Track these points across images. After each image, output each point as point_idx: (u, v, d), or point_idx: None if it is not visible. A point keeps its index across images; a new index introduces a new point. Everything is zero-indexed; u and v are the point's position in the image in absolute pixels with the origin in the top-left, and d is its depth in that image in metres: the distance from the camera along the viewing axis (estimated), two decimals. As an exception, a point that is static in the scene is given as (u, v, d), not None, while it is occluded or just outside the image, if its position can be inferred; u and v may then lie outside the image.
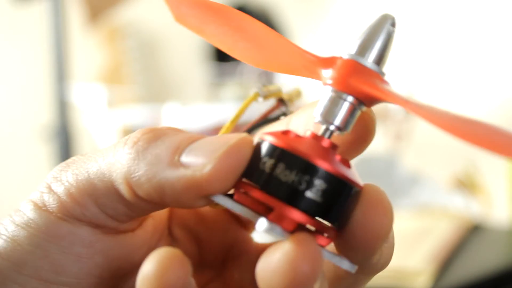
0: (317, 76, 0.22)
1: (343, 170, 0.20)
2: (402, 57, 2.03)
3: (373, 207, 0.21)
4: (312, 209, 0.20)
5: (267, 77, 1.86)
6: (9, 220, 0.23)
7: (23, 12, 1.70)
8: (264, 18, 2.32)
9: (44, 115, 1.65)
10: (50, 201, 0.23)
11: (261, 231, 0.19)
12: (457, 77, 1.93)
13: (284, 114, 0.26)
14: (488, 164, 1.27)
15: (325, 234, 0.21)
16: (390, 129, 1.42)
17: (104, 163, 0.22)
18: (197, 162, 0.21)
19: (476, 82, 1.90)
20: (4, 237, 0.22)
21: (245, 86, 1.91)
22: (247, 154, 0.21)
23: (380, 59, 0.21)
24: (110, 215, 0.23)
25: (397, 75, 2.03)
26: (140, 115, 1.80)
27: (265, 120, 0.26)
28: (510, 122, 1.72)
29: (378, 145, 1.39)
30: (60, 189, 0.23)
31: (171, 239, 0.26)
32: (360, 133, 0.23)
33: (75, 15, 1.30)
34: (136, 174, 0.21)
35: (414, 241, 0.84)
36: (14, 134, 1.93)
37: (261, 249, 0.25)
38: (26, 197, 0.24)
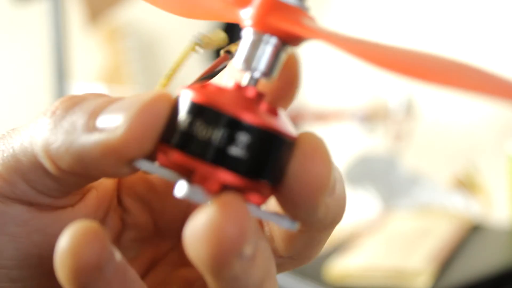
0: (238, 19, 0.20)
1: (270, 120, 0.19)
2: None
3: (308, 157, 0.19)
4: (238, 167, 0.18)
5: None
6: None
7: (23, 11, 1.70)
8: None
9: (44, 115, 1.65)
10: None
11: (180, 196, 0.18)
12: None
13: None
14: (488, 164, 1.27)
15: (259, 192, 0.19)
16: (390, 129, 1.42)
17: (26, 136, 0.21)
18: (112, 124, 0.19)
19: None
20: None
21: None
22: (163, 111, 0.19)
23: None
24: (41, 192, 0.22)
25: (399, 83, 2.03)
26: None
27: (211, 74, 0.24)
28: (509, 120, 1.72)
29: (378, 145, 1.39)
30: None
31: (122, 210, 0.25)
32: (285, 78, 0.21)
33: (75, 15, 1.30)
34: (54, 144, 0.20)
35: (414, 241, 0.84)
36: (14, 134, 1.93)
37: None
38: None
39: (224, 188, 0.19)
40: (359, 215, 1.21)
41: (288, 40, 0.19)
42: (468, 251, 0.82)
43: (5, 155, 0.21)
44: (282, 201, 0.20)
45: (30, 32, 1.87)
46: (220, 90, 0.19)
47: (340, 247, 0.86)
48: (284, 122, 0.19)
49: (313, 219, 0.20)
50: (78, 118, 0.20)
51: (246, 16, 0.20)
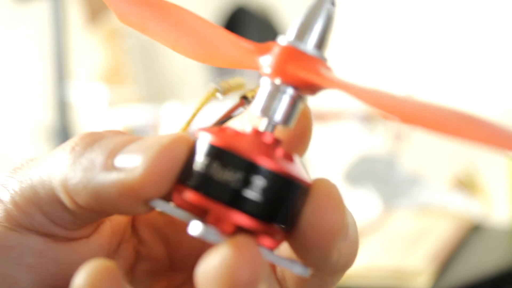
0: (255, 66, 0.21)
1: (286, 166, 0.19)
2: (404, 60, 2.03)
3: (322, 203, 0.19)
4: (253, 210, 0.19)
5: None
6: None
7: (23, 12, 1.70)
8: (264, 18, 2.33)
9: (44, 115, 1.65)
10: None
11: (195, 235, 0.18)
12: (457, 76, 1.94)
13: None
14: (488, 164, 1.27)
15: (273, 236, 0.19)
16: (390, 129, 1.42)
17: (45, 169, 0.21)
18: (130, 164, 0.20)
19: (476, 82, 1.90)
20: None
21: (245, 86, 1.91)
22: (181, 153, 0.19)
23: (320, 43, 0.20)
24: (57, 224, 0.22)
25: (398, 79, 2.03)
26: (140, 115, 1.80)
27: (228, 119, 0.24)
28: (509, 119, 1.72)
29: (378, 145, 1.39)
30: (6, 198, 0.22)
31: (137, 241, 0.25)
32: (299, 128, 0.21)
33: (75, 15, 1.30)
34: (72, 181, 0.20)
35: (414, 241, 0.84)
36: (14, 134, 1.93)
37: None
38: None
39: (238, 230, 0.19)
40: (359, 215, 1.21)
41: (305, 89, 0.20)
42: (468, 251, 0.82)
43: (23, 186, 0.22)
44: (294, 246, 0.20)
45: (30, 32, 1.87)
46: (238, 134, 0.19)
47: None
48: (299, 169, 0.20)
49: (325, 264, 0.20)
50: (96, 156, 0.20)
51: (265, 64, 0.20)
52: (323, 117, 1.39)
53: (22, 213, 0.22)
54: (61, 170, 0.21)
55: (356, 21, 2.19)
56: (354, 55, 2.20)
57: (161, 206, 0.20)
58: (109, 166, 0.20)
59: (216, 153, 0.19)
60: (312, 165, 1.64)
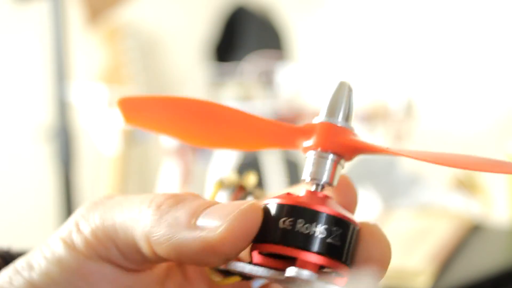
0: (297, 146, 0.25)
1: (344, 212, 0.23)
2: (403, 58, 2.03)
3: (373, 242, 0.24)
4: (327, 251, 0.22)
5: (267, 78, 1.87)
6: (41, 256, 0.25)
7: (23, 11, 1.70)
8: (264, 18, 2.33)
9: (44, 115, 1.65)
10: (78, 240, 0.25)
11: (292, 275, 0.22)
12: (457, 77, 1.93)
13: (250, 194, 0.30)
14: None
15: (342, 274, 0.23)
16: (390, 129, 1.42)
17: (129, 217, 0.25)
18: (212, 224, 0.23)
19: (475, 83, 1.90)
20: (38, 271, 0.25)
21: (245, 86, 1.91)
22: (257, 217, 0.23)
23: (347, 117, 0.25)
24: (128, 260, 0.25)
25: (398, 78, 2.03)
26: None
27: None
28: (508, 120, 1.72)
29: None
30: (87, 230, 0.25)
31: (181, 277, 0.28)
32: (349, 200, 0.26)
33: (75, 15, 1.30)
34: (157, 234, 0.23)
35: (414, 241, 0.84)
36: (14, 134, 1.93)
37: None
38: (53, 233, 0.26)
39: (320, 268, 0.23)
40: (359, 215, 1.21)
41: (343, 154, 0.24)
42: (468, 251, 0.82)
43: (105, 224, 0.25)
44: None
45: (30, 32, 1.87)
46: (299, 196, 0.24)
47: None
48: (350, 214, 0.24)
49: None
50: (181, 215, 0.24)
51: (307, 140, 0.25)
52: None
53: (101, 245, 0.25)
54: (146, 223, 0.24)
55: (356, 21, 2.19)
56: (356, 57, 2.20)
57: (240, 267, 0.23)
58: (193, 225, 0.23)
59: (291, 210, 0.23)
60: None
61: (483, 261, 0.81)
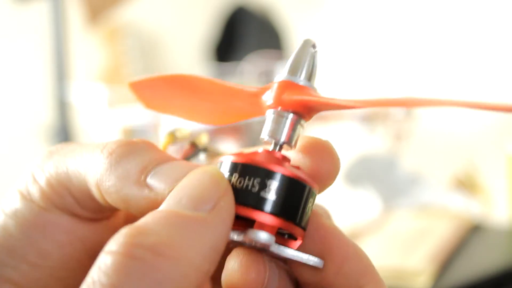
0: (262, 109, 0.25)
1: (300, 173, 0.22)
2: (402, 57, 2.03)
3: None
4: (283, 212, 0.22)
5: (267, 78, 1.87)
6: (0, 209, 0.26)
7: (23, 11, 1.70)
8: (264, 18, 2.33)
9: (44, 115, 1.65)
10: (34, 191, 0.25)
11: (251, 237, 0.22)
12: (457, 76, 1.94)
13: (205, 149, 0.29)
14: (488, 164, 1.27)
15: (296, 236, 0.23)
16: (390, 129, 1.42)
17: (82, 163, 0.24)
18: (159, 186, 0.22)
19: (476, 82, 1.90)
20: None
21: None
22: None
23: (309, 76, 0.24)
24: (84, 207, 0.25)
25: (398, 77, 2.03)
26: (140, 115, 1.80)
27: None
28: (509, 121, 1.72)
29: (378, 145, 1.39)
30: (42, 179, 0.25)
31: None
32: (327, 167, 0.25)
33: (75, 15, 1.30)
34: (107, 183, 0.23)
35: (414, 241, 0.84)
36: (14, 134, 1.93)
37: None
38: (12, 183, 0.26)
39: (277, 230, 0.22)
40: (359, 215, 1.21)
41: (302, 113, 0.24)
42: (468, 251, 0.82)
43: (58, 171, 0.25)
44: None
45: (30, 32, 1.87)
46: (255, 153, 0.23)
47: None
48: (307, 175, 0.23)
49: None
50: (131, 168, 0.23)
51: (268, 98, 0.24)
52: (323, 117, 1.39)
53: (55, 193, 0.25)
54: (97, 170, 0.24)
55: (356, 21, 2.19)
56: (356, 56, 2.20)
57: None
58: (142, 182, 0.23)
59: (242, 169, 0.22)
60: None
61: (483, 261, 0.81)
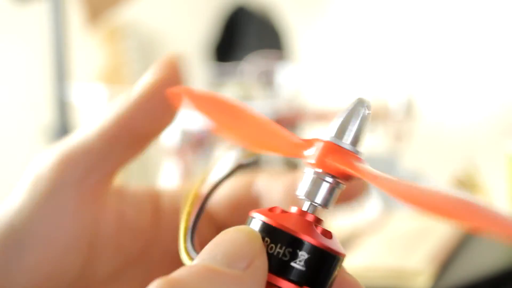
0: (301, 156, 0.24)
1: (329, 243, 0.22)
2: (402, 58, 2.03)
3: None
4: (300, 278, 0.22)
5: (267, 78, 1.87)
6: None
7: (23, 12, 1.70)
8: (264, 18, 2.32)
9: (44, 115, 1.65)
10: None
11: None
12: (457, 77, 1.93)
13: (255, 162, 0.29)
14: (488, 164, 1.27)
15: None
16: (390, 129, 1.42)
17: None
18: None
19: (476, 83, 1.90)
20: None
21: (245, 86, 1.91)
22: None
23: (356, 140, 0.23)
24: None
25: (398, 77, 2.03)
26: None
27: (225, 179, 0.28)
28: (509, 121, 1.72)
29: (378, 145, 1.39)
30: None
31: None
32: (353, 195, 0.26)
33: (75, 15, 1.30)
34: None
35: (414, 241, 0.84)
36: (14, 134, 1.93)
37: None
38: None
39: None
40: (359, 215, 1.21)
41: (342, 178, 0.23)
42: (468, 251, 0.82)
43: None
44: None
45: (30, 32, 1.87)
46: (286, 214, 0.23)
47: (340, 247, 0.86)
48: (336, 242, 0.23)
49: None
50: None
51: (310, 155, 0.23)
52: (324, 116, 1.39)
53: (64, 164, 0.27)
54: None
55: (356, 21, 2.19)
56: (356, 56, 2.20)
57: None
58: None
59: (272, 232, 0.22)
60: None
61: (483, 261, 0.81)
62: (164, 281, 0.19)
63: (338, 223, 1.19)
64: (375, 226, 0.96)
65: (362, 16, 2.15)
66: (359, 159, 0.23)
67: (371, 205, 1.20)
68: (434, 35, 1.98)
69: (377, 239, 0.88)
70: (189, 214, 0.25)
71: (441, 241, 0.82)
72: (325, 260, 0.22)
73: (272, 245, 0.22)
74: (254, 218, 0.23)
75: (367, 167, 0.23)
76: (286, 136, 0.25)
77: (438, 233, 0.86)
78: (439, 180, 1.30)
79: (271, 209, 0.23)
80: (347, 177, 0.23)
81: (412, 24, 2.01)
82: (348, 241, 0.90)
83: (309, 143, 0.24)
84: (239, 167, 0.29)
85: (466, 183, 1.21)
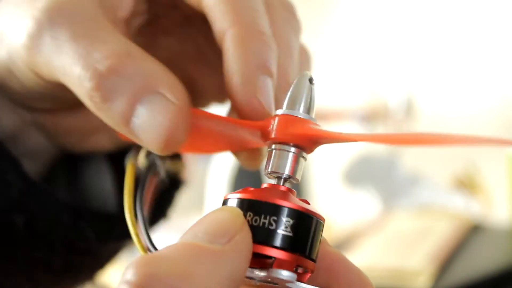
0: (263, 144, 0.25)
1: (307, 206, 0.23)
2: (402, 57, 2.03)
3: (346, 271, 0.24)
4: (289, 245, 0.22)
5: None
6: None
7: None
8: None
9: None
10: None
11: (275, 276, 0.22)
12: (457, 75, 1.94)
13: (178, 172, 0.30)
14: (488, 164, 1.27)
15: (307, 270, 0.23)
16: (390, 128, 1.42)
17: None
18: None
19: (475, 81, 1.90)
20: None
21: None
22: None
23: (308, 109, 0.25)
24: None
25: (398, 77, 2.03)
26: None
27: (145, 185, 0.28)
28: (509, 121, 1.72)
29: (378, 145, 1.39)
30: None
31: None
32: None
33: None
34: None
35: (414, 241, 0.84)
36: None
37: None
38: None
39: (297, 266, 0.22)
40: (359, 215, 1.21)
41: (304, 145, 0.24)
42: (468, 251, 0.82)
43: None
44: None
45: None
46: (260, 189, 0.23)
47: (340, 247, 0.86)
48: (313, 207, 0.23)
49: None
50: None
51: (269, 131, 0.24)
52: (323, 116, 1.39)
53: None
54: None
55: (356, 20, 2.20)
56: (356, 56, 2.21)
57: None
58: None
59: (253, 206, 0.22)
60: (312, 165, 1.64)
61: (483, 261, 0.81)
62: (143, 257, 0.19)
63: (338, 223, 1.19)
64: (375, 226, 0.96)
65: (362, 16, 2.15)
66: (316, 124, 0.24)
67: (371, 205, 1.20)
68: (434, 35, 1.98)
69: (377, 239, 0.89)
70: (132, 216, 0.25)
71: (441, 241, 0.82)
72: (310, 224, 0.22)
73: (256, 217, 0.22)
74: (229, 199, 0.23)
75: (324, 128, 0.24)
76: (246, 124, 0.25)
77: (438, 233, 0.86)
78: (439, 180, 1.30)
79: (243, 190, 0.23)
80: (309, 144, 0.24)
81: (412, 24, 2.01)
82: (348, 241, 0.90)
83: (267, 122, 0.24)
84: (153, 164, 0.28)
85: (466, 183, 1.21)
